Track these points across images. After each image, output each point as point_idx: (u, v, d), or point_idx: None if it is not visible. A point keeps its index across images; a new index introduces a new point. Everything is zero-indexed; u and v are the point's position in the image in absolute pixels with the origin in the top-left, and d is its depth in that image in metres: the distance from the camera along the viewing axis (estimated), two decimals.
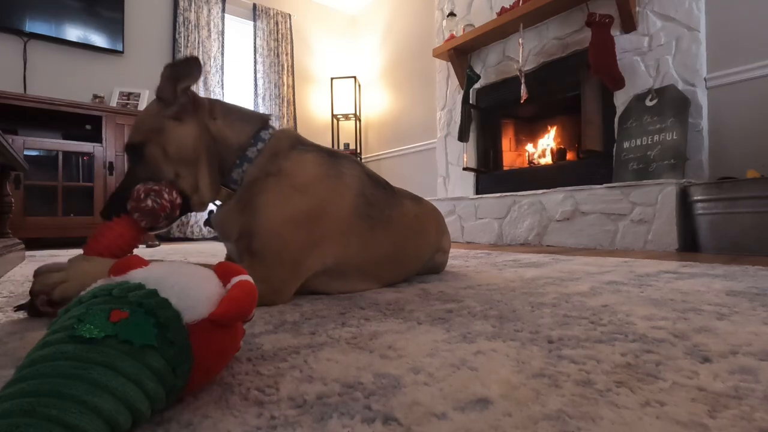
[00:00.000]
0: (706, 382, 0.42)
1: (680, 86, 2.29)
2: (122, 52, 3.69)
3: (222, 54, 4.21)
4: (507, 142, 3.46)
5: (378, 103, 5.01)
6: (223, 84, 4.20)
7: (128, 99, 3.60)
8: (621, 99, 2.54)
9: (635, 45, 2.48)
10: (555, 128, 3.22)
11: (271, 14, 4.59)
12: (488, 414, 0.36)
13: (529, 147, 3.40)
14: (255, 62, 4.52)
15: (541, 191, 2.63)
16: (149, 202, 0.80)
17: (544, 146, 3.26)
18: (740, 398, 0.38)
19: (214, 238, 4.03)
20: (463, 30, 3.38)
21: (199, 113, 0.90)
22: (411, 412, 0.36)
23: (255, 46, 4.52)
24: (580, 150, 2.87)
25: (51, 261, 1.89)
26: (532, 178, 3.07)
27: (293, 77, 4.72)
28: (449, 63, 3.63)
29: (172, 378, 0.35)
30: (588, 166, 2.73)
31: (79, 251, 0.81)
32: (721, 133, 2.21)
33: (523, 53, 2.89)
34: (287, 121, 4.64)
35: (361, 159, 5.16)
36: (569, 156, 3.09)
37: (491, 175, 3.43)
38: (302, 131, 4.91)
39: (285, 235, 0.84)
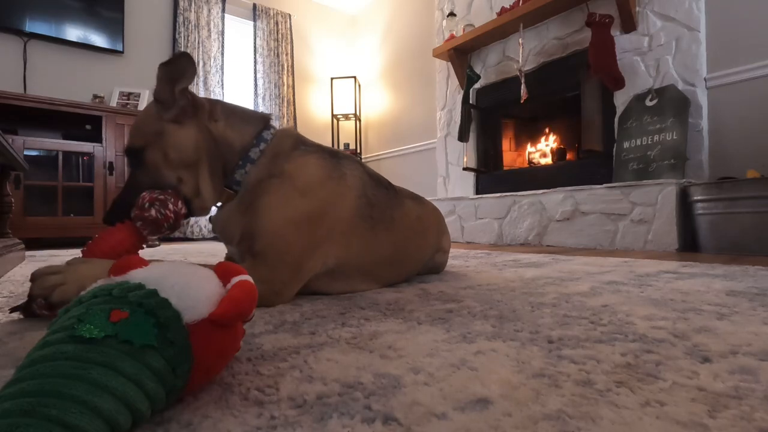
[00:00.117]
0: (706, 382, 0.42)
1: (680, 86, 2.29)
2: (122, 52, 3.69)
3: (222, 54, 4.21)
4: (507, 142, 3.46)
5: (378, 103, 5.01)
6: (223, 84, 4.20)
7: (128, 99, 3.60)
8: (621, 99, 2.54)
9: (635, 45, 2.48)
10: (555, 128, 3.22)
11: (271, 14, 4.60)
12: (488, 414, 0.36)
13: (529, 147, 3.40)
14: (255, 62, 4.52)
15: (541, 191, 2.63)
16: (153, 212, 0.79)
17: (544, 146, 3.26)
18: (740, 398, 0.38)
19: (214, 238, 4.03)
20: (463, 30, 3.38)
21: (199, 115, 0.88)
22: (411, 412, 0.36)
23: (255, 46, 4.53)
24: (580, 150, 2.87)
25: (51, 261, 1.89)
26: (532, 178, 3.07)
27: (293, 77, 4.72)
28: (449, 63, 3.63)
29: (172, 378, 0.35)
30: (588, 166, 2.73)
31: (79, 251, 0.81)
32: (721, 133, 2.21)
33: (523, 53, 2.89)
34: (287, 121, 4.64)
35: (361, 159, 5.15)
36: (569, 156, 3.09)
37: (491, 175, 3.43)
38: (302, 131, 4.91)
39: (287, 237, 0.84)
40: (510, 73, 3.18)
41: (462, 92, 3.43)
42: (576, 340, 0.56)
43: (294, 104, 4.70)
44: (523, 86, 2.84)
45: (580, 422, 0.34)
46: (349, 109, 4.95)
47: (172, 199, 0.82)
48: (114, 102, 3.54)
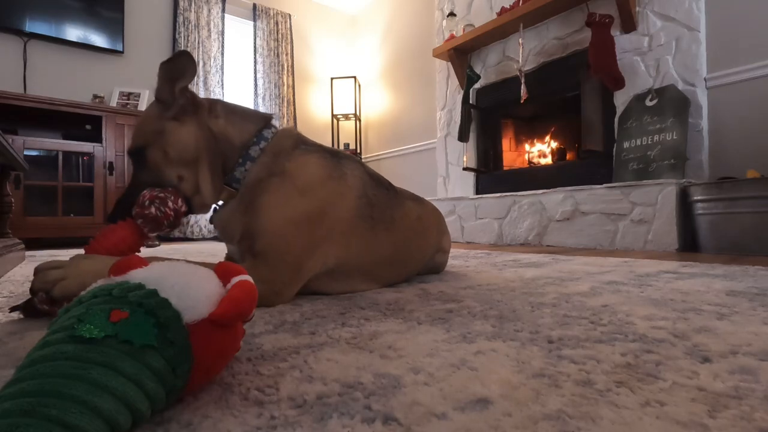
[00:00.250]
0: (706, 382, 0.42)
1: (680, 86, 2.29)
2: (122, 52, 3.69)
3: (222, 54, 4.21)
4: (507, 142, 3.46)
5: (378, 103, 5.01)
6: (223, 84, 4.19)
7: (128, 99, 3.60)
8: (621, 99, 2.54)
9: (635, 45, 2.48)
10: (555, 128, 3.22)
11: (271, 14, 4.60)
12: (488, 414, 0.36)
13: (529, 147, 3.40)
14: (255, 62, 4.52)
15: (541, 191, 2.63)
16: (153, 209, 0.81)
17: (544, 146, 3.25)
18: (740, 398, 0.38)
19: (214, 238, 4.03)
20: (463, 30, 3.38)
21: (199, 113, 0.89)
22: (411, 412, 0.36)
23: (255, 46, 4.52)
24: (580, 150, 2.87)
25: (51, 260, 1.89)
26: (532, 178, 3.07)
27: (293, 77, 4.72)
28: (449, 63, 3.63)
29: (172, 378, 0.35)
30: (588, 166, 2.73)
31: (79, 251, 0.81)
32: (721, 133, 2.21)
33: (523, 53, 2.89)
34: (287, 121, 4.64)
35: (361, 159, 5.15)
36: (569, 156, 3.09)
37: (491, 175, 3.43)
38: (302, 131, 4.90)
39: (288, 237, 0.84)
40: (510, 73, 3.18)
41: (462, 92, 3.43)
42: (576, 340, 0.56)
43: (294, 104, 4.70)
44: (523, 86, 2.84)
45: (580, 422, 0.34)
46: (349, 109, 4.95)
47: (172, 197, 0.84)
48: (114, 102, 3.54)
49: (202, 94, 4.05)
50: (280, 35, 4.63)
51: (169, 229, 0.85)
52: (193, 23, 4.03)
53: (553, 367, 0.46)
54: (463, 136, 3.37)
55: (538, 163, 3.27)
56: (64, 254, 2.35)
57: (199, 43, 4.06)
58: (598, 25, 2.47)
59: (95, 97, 3.43)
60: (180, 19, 3.97)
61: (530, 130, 3.45)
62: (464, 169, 3.48)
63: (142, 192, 0.83)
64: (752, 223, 1.77)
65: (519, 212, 2.76)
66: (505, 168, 3.39)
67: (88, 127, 3.28)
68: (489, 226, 2.95)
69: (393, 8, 4.78)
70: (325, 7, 5.20)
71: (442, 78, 3.84)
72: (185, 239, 3.99)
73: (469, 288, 1.01)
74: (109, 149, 3.22)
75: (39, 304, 0.70)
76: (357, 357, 0.51)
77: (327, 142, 5.09)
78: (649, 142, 2.34)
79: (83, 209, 3.13)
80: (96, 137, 3.20)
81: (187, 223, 3.95)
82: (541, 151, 3.28)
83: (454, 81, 3.68)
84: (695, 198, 1.97)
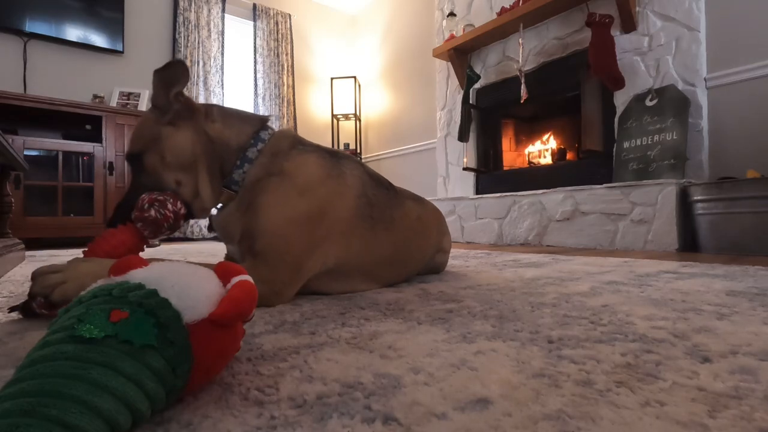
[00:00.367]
0: (706, 382, 0.42)
1: (680, 86, 2.29)
2: (122, 52, 3.69)
3: (222, 54, 4.21)
4: (507, 142, 3.46)
5: (378, 103, 5.01)
6: (223, 84, 4.19)
7: (128, 99, 3.60)
8: (621, 99, 2.54)
9: (635, 45, 2.48)
10: (555, 128, 3.22)
11: (271, 14, 4.60)
12: (488, 414, 0.36)
13: (529, 147, 3.40)
14: (255, 62, 4.52)
15: (541, 191, 2.63)
16: (153, 212, 0.81)
17: (544, 146, 3.25)
18: (740, 398, 0.38)
19: (214, 238, 4.03)
20: (463, 30, 3.38)
21: (195, 118, 0.90)
22: (411, 412, 0.36)
23: (255, 46, 4.52)
24: (580, 150, 2.87)
25: (50, 261, 1.89)
26: (532, 178, 3.07)
27: (293, 77, 4.72)
28: (449, 63, 3.63)
29: (172, 378, 0.35)
30: (588, 166, 2.73)
31: (79, 251, 0.81)
32: (721, 133, 2.21)
33: (523, 53, 2.89)
34: (287, 121, 4.64)
35: (361, 159, 5.15)
36: (569, 156, 3.09)
37: (491, 175, 3.43)
38: (302, 131, 4.91)
39: (288, 237, 0.84)
40: (510, 73, 3.18)
41: (462, 92, 3.43)
42: (576, 340, 0.56)
43: (294, 104, 4.70)
44: (523, 86, 2.84)
45: (580, 422, 0.34)
46: (349, 109, 4.95)
47: (171, 200, 0.84)
48: (114, 102, 3.54)
49: (202, 95, 4.05)
50: (280, 35, 4.63)
51: (169, 232, 0.85)
52: (193, 23, 4.03)
53: (553, 367, 0.46)
54: (463, 136, 3.37)
55: (538, 163, 3.27)
56: (64, 254, 2.35)
57: (199, 43, 4.06)
58: (598, 25, 2.47)
59: (95, 97, 3.43)
60: (180, 19, 3.97)
61: (530, 130, 3.45)
62: (464, 169, 3.48)
63: (141, 196, 0.83)
64: (752, 223, 1.77)
65: (519, 212, 2.76)
66: (505, 168, 3.39)
67: (88, 127, 3.28)
68: (489, 226, 2.95)
69: (393, 8, 4.78)
70: (325, 7, 5.20)
71: (442, 78, 3.84)
72: (185, 239, 3.99)
73: (469, 288, 1.01)
74: (109, 149, 3.22)
75: (38, 308, 0.69)
76: (357, 357, 0.51)
77: (327, 142, 5.09)
78: (649, 142, 2.34)
79: (83, 209, 3.13)
80: (96, 137, 3.20)
81: (187, 223, 3.95)
82: (541, 151, 3.28)
83: (454, 81, 3.68)
84: (695, 198, 1.97)
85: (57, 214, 3.02)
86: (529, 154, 3.39)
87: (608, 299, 0.85)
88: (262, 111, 4.51)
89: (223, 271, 0.44)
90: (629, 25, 2.47)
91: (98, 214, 3.14)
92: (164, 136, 0.87)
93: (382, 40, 4.93)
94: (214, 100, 4.13)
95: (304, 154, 0.94)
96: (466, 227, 3.12)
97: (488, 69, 3.38)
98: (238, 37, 4.56)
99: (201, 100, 4.04)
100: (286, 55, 4.67)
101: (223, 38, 4.23)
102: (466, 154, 3.53)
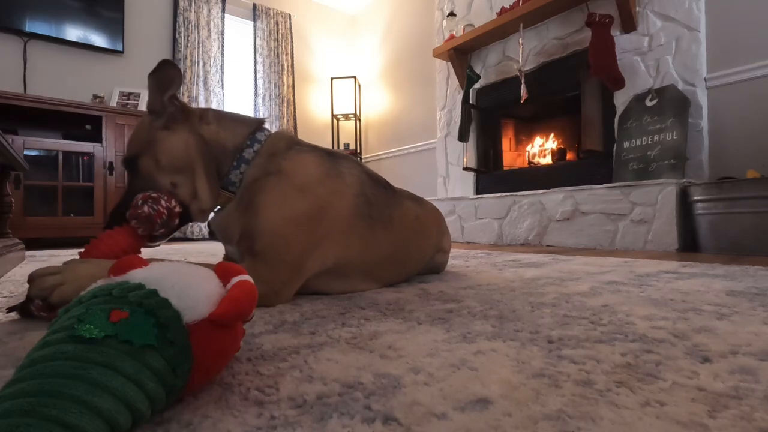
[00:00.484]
0: (706, 382, 0.42)
1: (680, 86, 2.29)
2: (122, 52, 3.69)
3: (222, 54, 4.21)
4: (507, 142, 3.46)
5: (378, 103, 5.01)
6: (223, 84, 4.19)
7: (128, 99, 3.60)
8: (621, 99, 2.54)
9: (635, 45, 2.48)
10: (555, 128, 3.22)
11: (271, 14, 4.60)
12: (488, 414, 0.36)
13: (529, 147, 3.40)
14: (255, 62, 4.52)
15: (541, 191, 2.63)
16: (146, 208, 0.82)
17: (544, 146, 3.25)
18: (740, 398, 0.38)
19: (214, 238, 4.03)
20: (463, 30, 3.39)
21: (189, 120, 0.91)
22: (411, 412, 0.36)
23: (255, 46, 4.52)
24: (580, 150, 2.87)
25: (50, 261, 1.89)
26: (532, 178, 3.07)
27: (293, 77, 4.72)
28: (449, 63, 3.63)
29: (172, 378, 0.35)
30: (588, 166, 2.73)
31: (79, 251, 0.81)
32: (721, 133, 2.21)
33: (523, 53, 2.89)
34: (287, 121, 4.64)
35: (361, 159, 5.16)
36: (569, 156, 3.09)
37: (491, 175, 3.43)
38: (302, 131, 4.91)
39: (287, 236, 0.84)
40: (510, 73, 3.18)
41: (462, 92, 3.43)
42: (576, 340, 0.56)
43: (294, 104, 4.70)
44: (523, 86, 2.84)
45: (580, 422, 0.34)
46: (349, 109, 4.95)
47: (165, 197, 0.85)
48: (114, 102, 3.54)
49: (202, 95, 4.05)
50: (280, 35, 4.63)
51: (163, 230, 0.85)
52: (193, 23, 4.03)
53: (553, 367, 0.46)
54: (463, 136, 3.37)
55: (538, 163, 3.27)
56: (64, 254, 2.35)
57: (199, 43, 4.06)
58: (598, 25, 2.47)
59: (95, 97, 3.43)
60: (180, 19, 3.97)
61: (530, 130, 3.45)
62: (464, 169, 3.48)
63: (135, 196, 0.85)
64: (752, 223, 1.77)
65: (519, 212, 2.76)
66: (505, 168, 3.39)
67: (88, 127, 3.28)
68: (489, 226, 2.95)
69: (393, 8, 4.78)
70: (325, 7, 5.20)
71: (442, 78, 3.84)
72: (185, 239, 3.99)
73: (469, 288, 1.01)
74: (109, 149, 3.22)
75: (36, 311, 0.69)
76: (357, 357, 0.51)
77: (327, 142, 5.09)
78: (649, 142, 2.34)
79: (83, 209, 3.13)
80: (96, 137, 3.20)
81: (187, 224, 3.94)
82: (541, 151, 3.28)
83: (454, 81, 3.68)
84: (695, 198, 1.97)
85: (57, 214, 3.02)
86: (529, 154, 3.39)
87: (608, 299, 0.85)
88: (262, 111, 4.51)
89: (223, 271, 0.44)
90: (629, 25, 2.47)
91: (98, 214, 3.14)
92: (158, 139, 0.88)
93: (382, 40, 4.93)
94: (214, 100, 4.13)
95: (301, 154, 0.94)
96: (466, 227, 3.12)
97: (488, 69, 3.38)
98: (238, 37, 4.56)
99: (201, 100, 4.04)
100: (286, 55, 4.67)
101: (223, 38, 4.23)
102: (466, 154, 3.53)
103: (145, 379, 0.32)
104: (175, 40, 3.97)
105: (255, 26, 4.53)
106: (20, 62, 3.29)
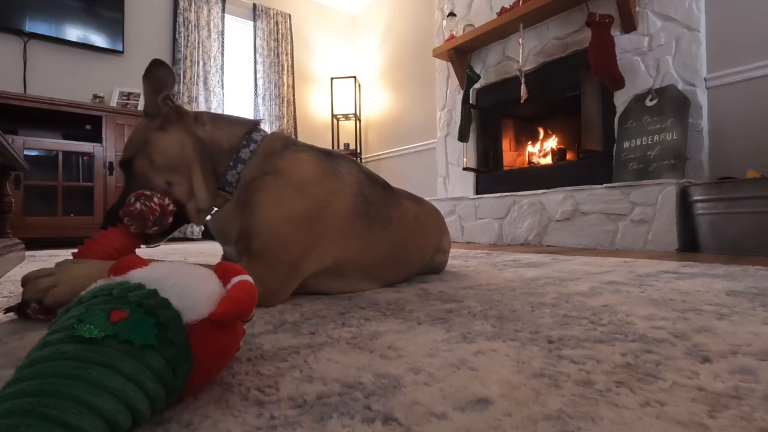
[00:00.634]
0: (706, 382, 0.42)
1: (680, 86, 2.29)
2: (122, 52, 3.69)
3: (222, 54, 4.21)
4: (507, 142, 3.46)
5: (378, 103, 5.01)
6: (223, 84, 4.19)
7: (128, 99, 3.60)
8: (621, 99, 2.54)
9: (635, 45, 2.48)
10: (555, 128, 3.22)
11: (271, 14, 4.59)
12: (488, 414, 0.36)
13: (529, 147, 3.40)
14: (255, 62, 4.52)
15: (541, 191, 2.63)
16: (138, 205, 0.82)
17: (544, 146, 3.25)
18: (740, 398, 0.38)
19: (207, 237, 4.03)
20: (463, 30, 3.38)
21: (184, 121, 0.92)
22: (411, 412, 0.36)
23: (255, 46, 4.52)
24: (580, 150, 2.87)
25: (50, 261, 1.89)
26: (532, 178, 3.07)
27: (293, 77, 4.72)
28: (449, 63, 3.63)
29: (172, 378, 0.35)
30: (588, 166, 2.73)
31: (72, 252, 0.81)
32: (721, 133, 2.21)
33: (523, 53, 2.89)
34: (287, 121, 4.64)
35: (361, 159, 5.16)
36: (569, 156, 3.09)
37: (491, 175, 3.43)
38: (302, 131, 4.91)
39: (284, 236, 0.84)
40: (510, 73, 3.18)
41: (462, 92, 3.43)
42: (576, 340, 0.56)
43: (294, 104, 4.70)
44: (523, 86, 2.84)
45: (580, 422, 0.34)
46: (349, 109, 4.95)
47: (159, 195, 0.85)
48: (114, 102, 3.54)
49: (202, 95, 4.05)
50: (280, 35, 4.63)
51: (156, 228, 0.84)
52: (193, 23, 4.03)
53: (553, 367, 0.46)
54: (463, 136, 3.37)
55: (538, 163, 3.27)
56: (64, 254, 2.35)
57: (199, 43, 4.06)
58: (598, 25, 2.47)
59: (95, 97, 3.43)
60: (180, 19, 3.97)
61: (530, 130, 3.45)
62: (464, 169, 3.48)
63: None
64: (752, 223, 1.77)
65: (519, 212, 2.76)
66: (505, 168, 3.39)
67: (88, 127, 3.28)
68: (489, 226, 2.95)
69: (393, 8, 4.78)
70: (325, 7, 5.20)
71: (442, 78, 3.84)
72: (185, 239, 3.99)
73: (469, 288, 1.01)
74: (109, 149, 3.22)
75: (33, 314, 0.69)
76: (357, 357, 0.51)
77: (327, 142, 5.09)
78: (649, 142, 2.34)
79: (83, 209, 3.13)
80: (96, 137, 3.20)
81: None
82: (541, 151, 3.28)
83: (454, 81, 3.68)
84: (695, 198, 1.97)
85: (57, 214, 3.02)
86: (529, 154, 3.39)
87: (608, 299, 0.85)
88: (262, 111, 4.51)
89: (223, 271, 0.44)
90: (629, 25, 2.47)
91: (98, 214, 3.14)
92: (153, 139, 0.89)
93: (382, 40, 4.93)
94: (214, 100, 4.13)
95: (298, 153, 0.94)
96: (466, 227, 3.12)
97: (488, 69, 3.38)
98: (238, 37, 4.56)
99: (201, 100, 4.04)
100: (286, 55, 4.67)
101: (223, 38, 4.23)
102: (466, 154, 3.53)
103: (145, 379, 0.32)
104: (175, 40, 3.97)
105: (255, 26, 4.53)
106: (20, 62, 3.29)
